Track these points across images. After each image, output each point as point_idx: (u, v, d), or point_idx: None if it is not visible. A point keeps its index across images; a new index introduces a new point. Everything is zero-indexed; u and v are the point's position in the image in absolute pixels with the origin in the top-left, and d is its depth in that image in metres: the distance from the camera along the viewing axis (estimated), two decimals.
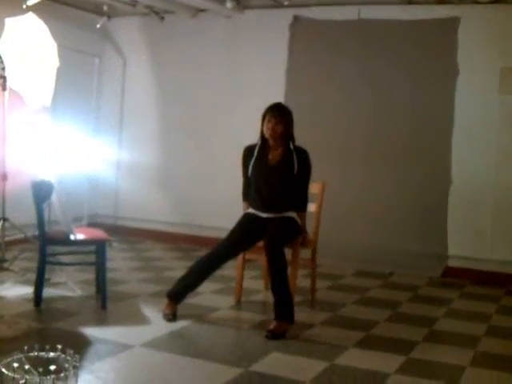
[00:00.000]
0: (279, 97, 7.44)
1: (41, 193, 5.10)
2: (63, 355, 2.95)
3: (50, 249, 5.31)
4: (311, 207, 5.64)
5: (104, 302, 5.20)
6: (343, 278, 7.04)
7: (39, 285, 5.13)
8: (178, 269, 6.56)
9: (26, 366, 2.84)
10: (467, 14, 7.17)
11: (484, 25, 7.13)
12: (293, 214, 5.30)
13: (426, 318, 5.60)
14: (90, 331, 4.60)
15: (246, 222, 5.33)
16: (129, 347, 4.33)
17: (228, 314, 5.45)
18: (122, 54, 8.94)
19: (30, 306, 5.09)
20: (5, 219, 6.36)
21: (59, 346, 2.99)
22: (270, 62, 8.10)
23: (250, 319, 5.29)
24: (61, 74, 6.70)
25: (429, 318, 5.57)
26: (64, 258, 5.99)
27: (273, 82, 8.00)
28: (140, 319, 5.06)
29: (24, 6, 6.82)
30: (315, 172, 5.42)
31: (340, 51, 7.81)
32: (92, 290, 5.62)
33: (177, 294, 5.12)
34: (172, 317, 5.01)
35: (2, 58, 6.13)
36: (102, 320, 5.05)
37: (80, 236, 5.23)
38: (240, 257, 5.58)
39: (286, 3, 7.77)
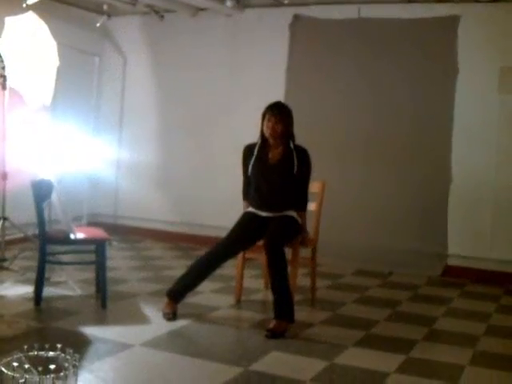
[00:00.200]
0: (279, 96, 7.41)
1: (41, 192, 5.11)
2: (63, 354, 2.95)
3: (50, 248, 5.32)
4: (311, 206, 5.64)
5: (104, 301, 5.21)
6: (343, 277, 7.04)
7: (39, 284, 5.14)
8: (178, 268, 6.57)
9: (26, 366, 2.84)
10: (467, 12, 7.16)
11: (484, 23, 7.12)
12: (293, 213, 5.30)
13: (426, 317, 5.60)
14: (90, 330, 4.61)
15: (246, 221, 5.34)
16: (128, 346, 4.33)
17: (228, 313, 5.46)
18: (122, 53, 8.94)
19: (30, 306, 5.10)
20: (5, 218, 6.36)
21: (59, 346, 2.99)
22: (270, 61, 8.10)
23: (250, 318, 5.30)
24: (61, 73, 6.70)
25: (428, 317, 5.57)
26: (64, 257, 6.00)
27: (273, 81, 8.00)
28: (140, 318, 5.07)
29: (24, 5, 6.82)
30: (315, 171, 5.42)
31: (340, 50, 7.81)
32: (92, 289, 5.62)
33: (176, 293, 5.12)
34: (172, 316, 5.01)
35: (2, 57, 6.13)
36: (101, 319, 5.06)
37: (80, 235, 5.23)
38: (240, 256, 5.58)
39: (285, 2, 7.76)
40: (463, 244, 7.22)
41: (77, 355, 2.95)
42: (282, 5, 7.88)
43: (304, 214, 5.39)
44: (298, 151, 5.27)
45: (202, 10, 8.32)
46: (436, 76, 7.39)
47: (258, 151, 5.32)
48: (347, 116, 7.76)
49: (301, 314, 5.19)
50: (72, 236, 5.15)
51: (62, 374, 2.82)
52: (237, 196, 5.65)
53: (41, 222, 5.10)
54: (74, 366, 2.88)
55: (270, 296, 5.11)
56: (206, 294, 5.85)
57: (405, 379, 4.06)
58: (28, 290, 5.43)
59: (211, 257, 5.17)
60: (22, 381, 2.74)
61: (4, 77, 6.20)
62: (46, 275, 5.35)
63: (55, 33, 6.59)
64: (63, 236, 5.18)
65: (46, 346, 3.00)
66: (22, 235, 6.74)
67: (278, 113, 5.23)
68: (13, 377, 2.74)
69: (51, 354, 2.97)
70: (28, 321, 4.75)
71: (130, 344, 4.38)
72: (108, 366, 3.96)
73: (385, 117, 7.61)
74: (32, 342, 3.16)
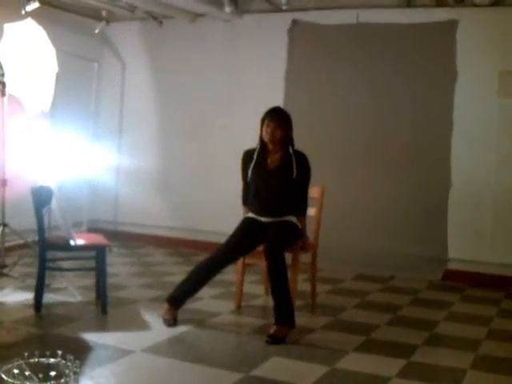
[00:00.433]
0: (278, 101, 7.43)
1: (40, 198, 5.10)
2: (63, 361, 2.94)
3: (50, 254, 5.31)
4: (311, 211, 5.64)
5: (104, 307, 5.20)
6: (343, 282, 7.04)
7: (39, 290, 5.13)
8: (178, 274, 6.56)
9: (27, 373, 2.83)
10: (466, 16, 7.17)
11: (482, 28, 7.13)
12: (292, 218, 5.30)
13: (427, 321, 5.59)
14: (91, 337, 4.60)
15: (246, 226, 5.33)
16: (129, 352, 4.33)
17: (228, 318, 5.45)
18: (121, 59, 8.95)
19: (30, 312, 5.09)
20: (5, 225, 6.35)
21: (59, 352, 2.99)
22: (269, 66, 8.11)
23: (251, 324, 5.29)
24: (60, 79, 6.71)
25: (429, 322, 5.56)
26: (64, 264, 6.00)
27: (272, 86, 8.01)
28: (140, 324, 5.06)
29: (23, 12, 6.82)
30: (315, 175, 5.42)
31: (339, 55, 7.82)
32: (92, 295, 5.62)
33: (177, 299, 5.12)
34: (172, 322, 5.00)
35: (1, 63, 6.14)
36: (102, 325, 5.05)
37: (80, 241, 5.23)
38: (240, 261, 5.58)
39: (284, 8, 7.78)
40: (463, 248, 7.22)
41: (77, 362, 2.95)
42: (280, 10, 7.89)
43: (304, 218, 5.39)
44: (297, 156, 5.27)
45: (200, 15, 8.33)
46: (435, 80, 7.39)
47: (258, 156, 5.32)
48: (347, 120, 7.77)
49: (301, 319, 5.19)
50: (72, 242, 5.15)
51: (62, 380, 2.81)
52: (237, 201, 5.65)
53: (41, 228, 5.10)
54: (75, 373, 2.88)
55: (270, 301, 5.11)
56: (207, 299, 5.85)
57: None
58: (28, 296, 5.42)
59: (211, 262, 5.16)
60: None
61: (3, 83, 6.20)
62: (46, 281, 5.34)
63: (54, 39, 6.60)
64: (63, 242, 5.18)
65: (47, 352, 3.00)
66: (21, 241, 6.73)
67: (277, 118, 5.23)
68: None
69: (52, 360, 2.97)
70: (28, 327, 4.75)
71: (131, 350, 4.37)
72: (109, 372, 3.95)
73: (384, 121, 7.61)
74: (32, 348, 3.16)
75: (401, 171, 7.53)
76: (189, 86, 8.53)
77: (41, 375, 2.82)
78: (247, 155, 5.40)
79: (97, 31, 8.47)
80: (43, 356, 2.99)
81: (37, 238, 5.25)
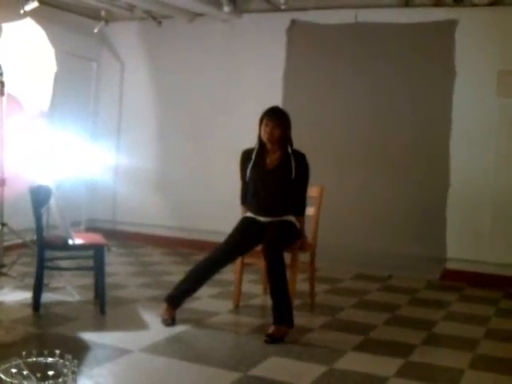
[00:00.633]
0: (277, 100, 7.45)
1: (39, 198, 5.10)
2: (61, 360, 2.94)
3: (49, 254, 5.30)
4: (310, 211, 5.64)
5: (102, 306, 5.20)
6: (342, 282, 7.04)
7: (38, 290, 5.13)
8: (177, 273, 6.55)
9: (25, 372, 2.83)
10: (464, 16, 7.17)
11: (481, 27, 7.13)
12: (291, 218, 5.30)
13: (425, 321, 5.60)
14: (89, 336, 4.60)
15: (245, 226, 5.33)
16: (127, 352, 4.33)
17: (227, 318, 5.45)
18: (120, 59, 8.95)
19: (29, 311, 5.09)
20: (3, 224, 6.35)
21: (57, 352, 2.98)
22: (268, 66, 8.11)
23: (249, 323, 5.29)
24: (58, 78, 6.71)
25: (427, 321, 5.57)
26: (62, 263, 6.00)
27: (271, 85, 8.01)
28: (138, 324, 5.06)
29: (22, 12, 6.81)
30: (314, 175, 5.42)
31: (338, 55, 7.82)
32: (90, 294, 5.62)
33: (175, 299, 5.11)
34: (171, 321, 5.00)
35: (0, 63, 6.13)
36: (100, 325, 5.05)
37: (78, 241, 5.23)
38: (238, 261, 5.57)
39: (283, 7, 7.77)
40: (462, 247, 7.22)
41: (75, 361, 2.94)
42: (279, 10, 7.89)
43: (302, 218, 5.38)
44: (295, 156, 5.27)
45: (199, 15, 8.33)
46: (434, 80, 7.40)
47: (256, 156, 5.31)
48: (345, 120, 7.77)
49: (300, 318, 5.18)
50: (70, 241, 5.14)
51: (60, 380, 2.81)
52: (235, 201, 5.65)
53: (39, 227, 5.09)
54: (73, 372, 2.87)
55: (268, 301, 5.11)
56: (205, 299, 5.84)
57: (404, 383, 4.05)
58: (26, 295, 5.41)
59: (210, 262, 5.16)
60: None
61: (2, 83, 6.19)
62: (45, 281, 5.33)
63: (53, 39, 6.60)
64: (61, 242, 5.17)
65: (45, 352, 2.99)
66: (20, 241, 6.72)
67: (276, 118, 5.22)
68: (11, 383, 2.73)
69: (50, 360, 2.96)
70: (26, 327, 4.75)
71: (129, 349, 4.37)
72: (107, 372, 3.95)
73: (383, 121, 7.62)
74: (30, 348, 3.15)
75: (400, 171, 7.54)
76: (188, 86, 8.54)
77: (39, 374, 2.81)
78: (246, 155, 5.39)
79: (96, 31, 8.47)
80: (41, 355, 2.98)
81: (35, 238, 5.24)
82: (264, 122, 5.23)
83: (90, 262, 5.49)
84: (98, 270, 5.35)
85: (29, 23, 6.41)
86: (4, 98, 6.28)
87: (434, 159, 7.41)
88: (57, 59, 6.60)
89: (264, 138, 5.24)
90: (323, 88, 7.88)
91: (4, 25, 6.28)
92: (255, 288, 6.32)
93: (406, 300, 6.34)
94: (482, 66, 7.15)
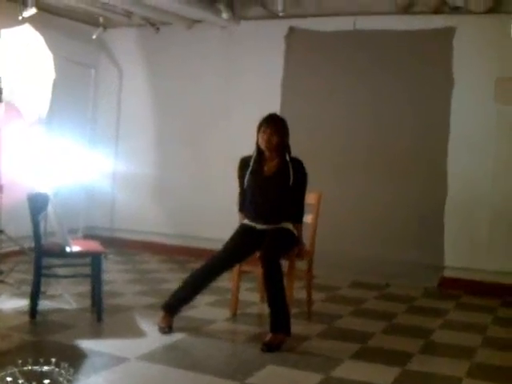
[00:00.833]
0: (275, 107, 7.46)
1: (37, 205, 5.10)
2: (57, 369, 2.94)
3: (46, 261, 5.30)
4: (307, 218, 5.64)
5: (99, 314, 5.19)
6: (339, 290, 7.03)
7: (35, 297, 5.12)
8: (174, 281, 6.54)
9: (20, 381, 2.83)
10: (462, 24, 7.18)
11: (479, 35, 7.14)
12: (289, 225, 5.29)
13: (422, 329, 5.59)
14: (86, 344, 4.59)
15: (242, 233, 5.33)
16: (124, 360, 4.32)
17: (223, 326, 5.44)
18: (118, 65, 8.96)
19: (26, 319, 5.08)
20: (0, 231, 6.35)
21: (53, 360, 2.98)
22: (266, 73, 8.11)
23: (246, 331, 5.29)
24: (57, 85, 6.70)
25: (425, 330, 5.56)
26: (60, 271, 5.99)
27: (269, 92, 8.01)
28: (135, 332, 5.05)
29: (20, 18, 6.82)
30: (312, 182, 5.42)
31: (336, 62, 7.83)
32: (87, 302, 5.61)
33: (172, 307, 5.11)
34: (167, 329, 5.00)
35: None
36: (97, 333, 5.05)
37: (75, 248, 5.22)
38: (236, 268, 5.57)
39: (281, 14, 7.78)
40: (459, 255, 7.22)
41: (71, 369, 2.95)
42: (277, 17, 7.89)
43: (300, 225, 5.38)
44: (293, 163, 5.27)
45: (197, 22, 8.34)
46: (432, 87, 7.41)
47: (254, 163, 5.32)
48: (344, 127, 7.77)
49: (297, 327, 5.18)
50: (68, 249, 5.14)
51: None
52: (233, 208, 5.65)
53: (36, 234, 5.09)
54: (69, 381, 2.88)
55: (265, 309, 5.10)
56: (202, 307, 5.84)
57: None
58: (23, 303, 5.41)
59: (207, 270, 5.16)
60: None
61: (0, 90, 6.20)
62: (42, 288, 5.33)
63: (51, 45, 6.59)
64: (59, 249, 5.17)
65: (41, 360, 2.99)
66: (17, 248, 6.72)
67: (273, 125, 5.23)
68: None
69: (45, 368, 2.96)
70: (23, 334, 4.74)
71: (126, 357, 4.36)
72: (103, 380, 3.94)
73: (381, 128, 7.62)
74: (27, 355, 3.16)
75: (398, 177, 7.54)
76: (186, 92, 8.54)
77: (34, 383, 2.81)
78: (243, 162, 5.40)
79: (94, 37, 8.48)
80: (37, 363, 2.98)
81: (33, 245, 5.24)
82: (262, 129, 5.24)
83: (88, 270, 5.48)
84: (95, 278, 5.35)
85: (27, 29, 6.41)
86: (2, 105, 6.29)
87: (432, 166, 7.41)
88: (55, 65, 6.60)
89: (262, 145, 5.24)
90: (322, 95, 7.88)
91: (2, 31, 6.28)
92: (252, 296, 6.30)
93: (403, 308, 6.34)
94: (480, 72, 7.17)
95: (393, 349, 4.95)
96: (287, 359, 4.55)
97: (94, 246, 5.53)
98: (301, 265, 5.65)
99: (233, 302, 5.69)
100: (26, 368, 2.96)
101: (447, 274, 7.30)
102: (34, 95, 6.51)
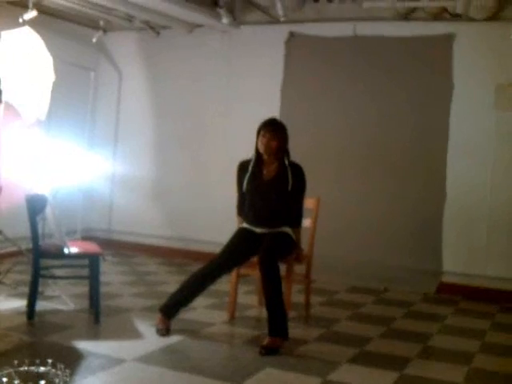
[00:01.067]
0: (275, 111, 7.46)
1: (35, 206, 5.07)
2: (53, 370, 2.91)
3: (44, 262, 5.27)
4: (306, 223, 5.62)
5: (97, 316, 5.16)
6: (337, 294, 7.01)
7: (32, 298, 5.08)
8: (172, 283, 6.53)
9: (16, 381, 2.80)
10: (462, 30, 7.19)
11: (479, 41, 7.14)
12: (287, 230, 5.27)
13: (420, 334, 5.56)
14: (83, 345, 4.56)
15: (241, 236, 5.31)
16: (121, 362, 4.29)
17: (221, 329, 5.41)
18: (118, 68, 8.94)
19: (23, 320, 5.05)
20: None
21: (50, 361, 2.95)
22: (266, 77, 8.10)
23: (244, 334, 5.25)
24: (56, 87, 6.68)
25: (423, 334, 5.53)
26: (57, 272, 5.95)
27: (269, 96, 8.00)
28: (133, 334, 5.02)
29: (20, 20, 6.79)
30: (310, 187, 5.39)
31: (336, 67, 7.82)
32: (85, 303, 5.58)
33: (170, 309, 5.08)
34: (165, 332, 4.97)
35: None
36: (94, 334, 5.01)
37: (73, 249, 5.19)
38: (234, 272, 5.55)
39: (281, 19, 7.78)
40: (458, 261, 7.20)
41: (68, 370, 2.92)
42: (277, 22, 7.90)
43: (298, 230, 5.36)
44: (292, 168, 5.26)
45: (197, 26, 8.32)
46: (432, 93, 7.40)
47: (253, 168, 5.30)
48: (343, 132, 7.76)
49: (295, 330, 5.16)
50: (65, 250, 5.11)
51: None
52: (231, 211, 5.62)
53: (34, 235, 5.06)
54: (65, 382, 2.85)
55: (263, 312, 5.07)
56: (200, 309, 5.81)
57: None
58: (21, 304, 5.39)
59: (205, 273, 5.13)
60: None
61: None
62: (39, 289, 5.30)
63: (51, 48, 6.58)
64: (57, 250, 5.14)
65: (37, 361, 2.96)
66: (15, 249, 6.69)
67: (273, 129, 5.21)
68: None
69: (42, 369, 2.93)
70: (20, 335, 4.70)
71: (123, 359, 4.33)
72: (100, 381, 3.91)
73: (380, 133, 7.60)
74: (24, 356, 3.13)
75: (396, 183, 7.52)
76: (185, 96, 8.53)
77: None
78: (242, 166, 5.38)
79: (94, 40, 8.47)
80: (33, 364, 2.95)
81: (30, 246, 5.21)
82: (261, 133, 5.22)
83: (85, 271, 5.46)
84: (93, 279, 5.32)
85: (27, 32, 6.39)
86: (1, 106, 6.27)
87: (431, 172, 7.39)
88: (55, 68, 6.58)
89: (261, 149, 5.22)
90: (321, 100, 7.87)
91: (3, 33, 6.26)
92: (250, 299, 6.28)
93: (401, 313, 6.31)
94: (480, 79, 7.16)
95: (391, 353, 4.92)
96: (285, 363, 4.52)
97: (91, 247, 5.50)
98: (299, 269, 5.64)
99: (231, 305, 5.67)
100: (22, 369, 2.93)
101: (445, 279, 7.27)
102: (33, 97, 6.49)
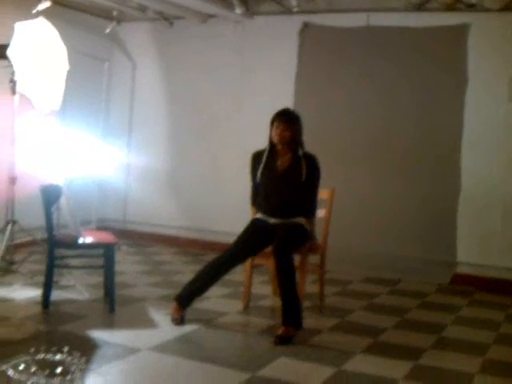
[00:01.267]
0: (288, 101, 7.44)
1: (49, 196, 5.10)
2: (69, 358, 2.92)
3: (59, 252, 5.31)
4: (320, 213, 5.61)
5: (112, 305, 5.19)
6: (351, 284, 6.99)
7: (47, 287, 5.12)
8: (187, 273, 6.54)
9: (33, 369, 2.81)
10: (477, 21, 7.11)
11: (495, 32, 7.07)
12: (301, 220, 5.26)
13: (435, 324, 5.55)
14: (98, 334, 4.58)
15: (255, 227, 5.31)
16: (136, 351, 4.31)
17: (236, 318, 5.42)
18: (132, 59, 8.94)
19: (38, 309, 5.09)
20: (14, 222, 6.35)
21: (66, 349, 2.97)
22: (280, 68, 8.07)
23: (258, 324, 5.27)
24: (70, 77, 6.70)
25: (437, 325, 5.52)
26: (72, 261, 5.99)
27: (282, 87, 7.97)
28: (148, 323, 5.04)
29: (34, 11, 6.82)
30: (323, 177, 5.38)
31: (349, 57, 7.78)
32: (100, 293, 5.61)
33: (184, 299, 5.09)
34: (180, 321, 4.99)
35: (12, 61, 6.12)
36: (109, 323, 5.04)
37: (88, 239, 5.22)
38: (248, 262, 5.55)
39: (295, 10, 7.75)
40: (472, 251, 7.16)
41: (84, 359, 2.93)
42: (291, 12, 7.86)
43: (312, 220, 5.35)
44: (306, 158, 5.25)
45: (211, 16, 8.30)
46: (445, 84, 7.34)
47: (267, 158, 5.29)
48: (356, 122, 7.72)
49: (309, 320, 5.17)
50: (80, 240, 5.13)
51: (68, 377, 2.79)
52: (246, 202, 5.63)
53: (49, 225, 5.08)
54: (81, 370, 2.86)
55: (278, 302, 5.07)
56: (214, 299, 5.82)
57: None
58: (36, 293, 5.41)
59: (219, 263, 5.14)
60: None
61: (14, 82, 6.20)
62: (55, 279, 5.33)
63: (65, 38, 6.60)
64: (71, 240, 5.16)
65: (53, 349, 2.98)
66: (30, 239, 6.72)
67: (286, 120, 5.20)
68: (19, 380, 2.72)
69: (58, 357, 2.94)
70: (36, 324, 4.74)
71: (138, 348, 4.35)
72: (115, 370, 3.94)
73: (394, 123, 7.57)
74: (40, 345, 3.14)
75: (410, 173, 7.49)
76: (199, 86, 8.52)
77: (47, 371, 2.79)
78: (256, 157, 5.38)
79: (108, 31, 8.47)
80: (49, 352, 2.96)
81: (45, 236, 5.24)
82: (275, 123, 5.21)
83: (100, 261, 5.49)
84: (108, 269, 5.34)
85: (41, 22, 6.41)
86: (16, 97, 6.29)
87: (446, 162, 7.34)
88: (69, 58, 6.60)
89: (275, 139, 5.21)
90: (334, 90, 7.83)
91: (16, 24, 6.27)
92: (264, 289, 6.29)
93: (415, 304, 6.29)
94: (495, 70, 7.09)
95: (405, 343, 4.92)
96: (299, 352, 4.53)
97: (106, 236, 5.52)
98: (313, 259, 5.63)
99: (245, 295, 5.68)
100: (38, 356, 2.94)
101: (460, 270, 7.24)
102: (47, 87, 6.50)
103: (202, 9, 7.94)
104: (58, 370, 2.80)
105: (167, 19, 8.47)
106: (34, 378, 2.75)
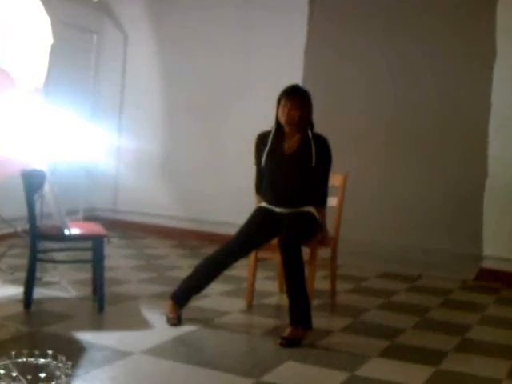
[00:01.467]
0: (297, 79, 7.40)
1: (32, 183, 5.10)
2: (54, 362, 2.93)
3: (42, 245, 5.33)
4: (331, 201, 5.61)
5: (101, 303, 5.20)
6: (366, 280, 7.02)
7: (29, 284, 5.12)
8: (184, 268, 6.57)
9: (14, 373, 2.83)
10: None
11: None
12: (311, 209, 5.26)
13: (458, 325, 5.57)
14: (85, 336, 4.60)
15: (259, 217, 5.31)
16: (128, 354, 4.32)
17: (238, 318, 5.44)
18: (123, 30, 8.94)
19: (20, 308, 5.09)
20: None
21: (50, 352, 2.98)
22: (287, 41, 8.06)
23: (263, 324, 5.28)
24: (55, 51, 6.69)
25: (461, 326, 5.54)
26: (57, 255, 6.01)
27: (290, 62, 7.97)
28: (141, 323, 5.05)
29: None
30: (335, 162, 5.38)
31: (363, 30, 7.77)
32: (88, 290, 5.63)
33: (181, 296, 5.10)
34: (176, 321, 4.99)
35: None
36: (98, 324, 5.06)
37: (75, 231, 5.22)
38: (252, 255, 5.57)
39: None
40: (500, 245, 7.18)
41: (70, 363, 2.94)
42: None
43: (323, 209, 5.35)
44: (316, 140, 5.23)
45: None
46: (471, 60, 7.33)
47: (273, 140, 5.28)
48: (370, 102, 7.74)
49: (319, 320, 5.17)
50: (66, 232, 5.14)
51: (53, 383, 2.80)
52: (249, 189, 5.65)
53: (31, 216, 5.09)
54: (67, 375, 2.87)
55: (284, 300, 5.10)
56: (214, 297, 5.84)
57: None
58: (17, 291, 5.42)
59: (220, 256, 5.14)
60: None
61: None
62: (38, 275, 5.34)
63: (49, 8, 6.58)
64: (56, 232, 5.17)
65: (36, 352, 2.99)
66: (10, 230, 6.74)
67: (295, 97, 5.18)
68: None
69: (42, 361, 2.96)
70: (17, 325, 4.75)
71: (130, 351, 4.36)
72: (105, 376, 3.95)
73: (413, 103, 7.57)
74: (21, 347, 3.15)
75: (431, 158, 7.49)
76: (198, 61, 8.52)
77: (29, 377, 2.81)
78: (261, 139, 5.37)
79: (96, 0, 8.46)
80: (32, 356, 2.98)
81: (27, 227, 5.25)
82: (282, 102, 5.19)
83: (88, 255, 5.48)
84: (97, 264, 5.35)
85: None
86: None
87: (471, 146, 7.35)
88: (53, 30, 6.58)
89: (282, 119, 5.20)
90: (346, 66, 7.84)
91: None
92: (270, 285, 6.31)
93: (437, 302, 6.32)
94: None
95: (425, 346, 4.93)
96: (308, 355, 4.54)
97: (95, 228, 5.52)
98: (324, 253, 5.65)
99: (249, 292, 5.69)
100: (20, 360, 2.95)
101: (486, 265, 7.26)
102: (29, 62, 6.50)
103: None
104: (42, 375, 2.81)
105: None
106: None
